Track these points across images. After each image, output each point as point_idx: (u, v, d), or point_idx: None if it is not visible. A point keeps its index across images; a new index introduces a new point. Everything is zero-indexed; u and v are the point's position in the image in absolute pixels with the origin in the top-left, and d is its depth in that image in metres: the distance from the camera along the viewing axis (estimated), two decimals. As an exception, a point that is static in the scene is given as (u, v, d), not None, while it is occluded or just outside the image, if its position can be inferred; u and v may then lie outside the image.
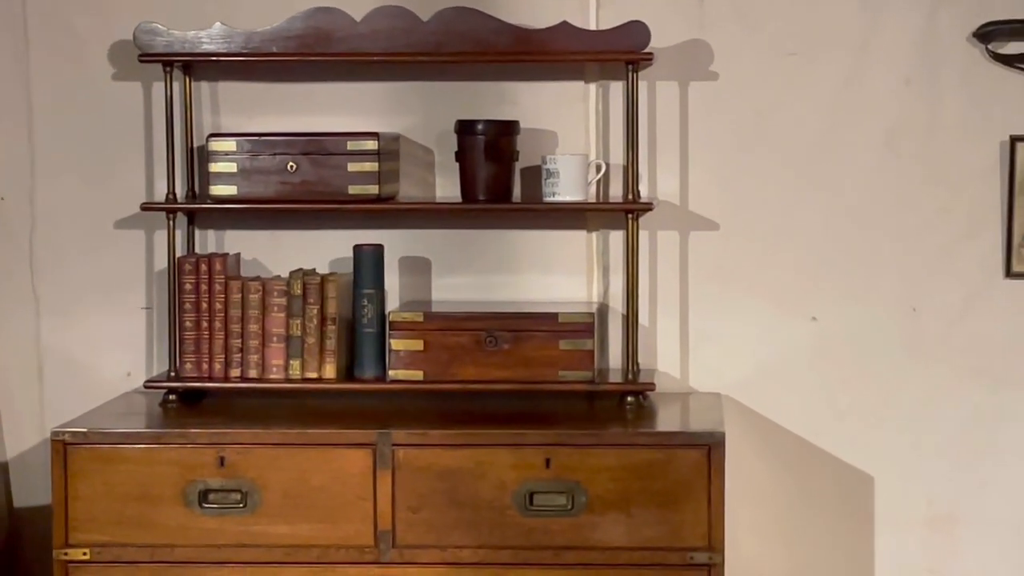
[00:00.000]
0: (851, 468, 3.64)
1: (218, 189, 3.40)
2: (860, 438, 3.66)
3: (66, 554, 3.08)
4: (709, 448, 3.06)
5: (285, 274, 3.46)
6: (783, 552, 3.70)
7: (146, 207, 3.47)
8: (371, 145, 3.36)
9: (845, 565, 3.71)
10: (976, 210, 3.60)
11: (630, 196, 3.42)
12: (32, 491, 3.64)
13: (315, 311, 3.36)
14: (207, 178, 3.44)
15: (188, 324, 3.38)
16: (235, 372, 3.41)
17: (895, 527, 3.66)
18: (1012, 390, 3.63)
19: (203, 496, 3.08)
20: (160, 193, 3.51)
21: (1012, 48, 3.52)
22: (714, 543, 3.03)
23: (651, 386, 3.41)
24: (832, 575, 3.72)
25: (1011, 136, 3.51)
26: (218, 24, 3.37)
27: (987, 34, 3.48)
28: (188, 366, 3.40)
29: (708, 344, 3.67)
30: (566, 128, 3.63)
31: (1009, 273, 3.54)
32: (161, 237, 3.51)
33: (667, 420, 3.42)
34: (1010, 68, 3.52)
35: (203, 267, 3.38)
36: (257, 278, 3.45)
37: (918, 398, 3.65)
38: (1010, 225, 3.54)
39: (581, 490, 3.06)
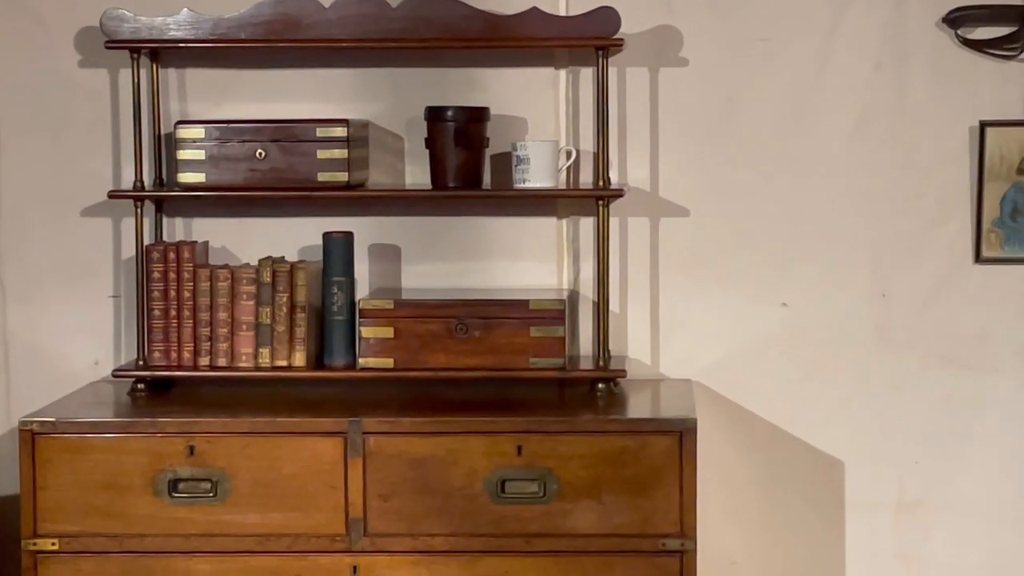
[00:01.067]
0: (821, 453, 3.65)
1: (186, 176, 3.37)
2: (830, 424, 3.66)
3: (35, 544, 3.06)
4: (680, 435, 3.04)
5: (254, 262, 3.43)
6: (755, 538, 3.69)
7: (113, 195, 3.44)
8: (340, 132, 3.35)
9: (816, 550, 3.71)
10: (945, 195, 3.61)
11: (600, 183, 3.41)
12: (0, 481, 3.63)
13: (284, 299, 3.34)
14: (175, 165, 3.42)
15: (156, 312, 3.36)
16: (204, 361, 3.39)
17: (865, 512, 3.66)
18: (981, 375, 3.64)
19: (172, 485, 3.06)
20: (128, 180, 3.48)
21: (981, 33, 3.53)
22: (686, 529, 3.02)
23: (622, 373, 3.40)
24: (803, 560, 3.72)
25: (980, 121, 3.51)
26: (185, 10, 3.35)
27: (956, 19, 3.48)
28: (156, 355, 3.38)
29: (679, 331, 3.66)
30: (536, 114, 3.63)
31: (979, 258, 3.54)
32: (129, 224, 3.49)
33: (638, 407, 3.41)
34: (979, 53, 3.52)
35: (171, 255, 3.36)
36: (226, 266, 3.43)
37: (888, 384, 3.64)
38: (979, 210, 3.54)
39: (553, 477, 3.04)
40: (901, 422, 3.66)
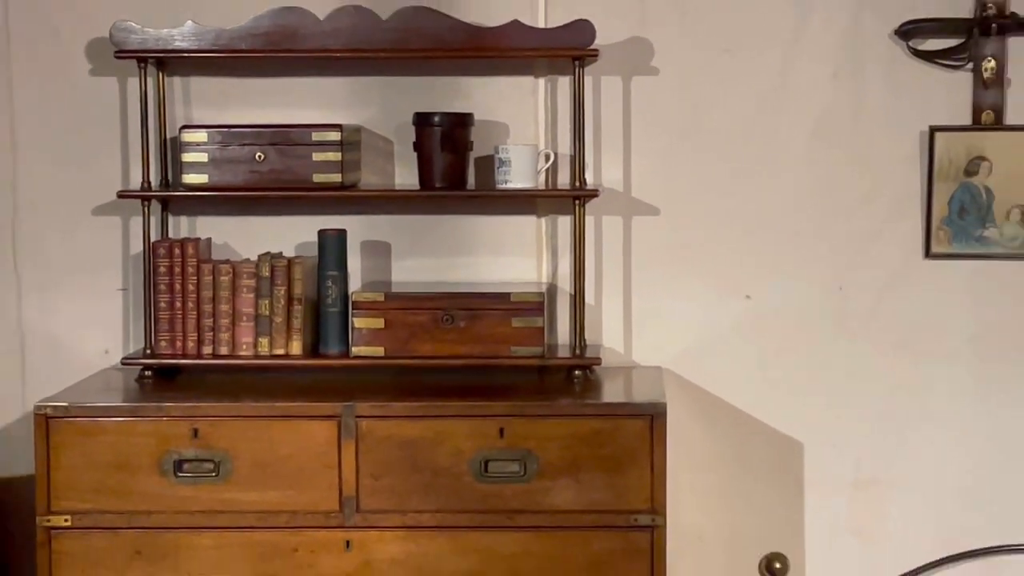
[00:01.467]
0: (782, 435, 3.71)
1: (190, 178, 3.43)
2: (790, 407, 3.71)
3: (49, 520, 3.11)
4: (652, 418, 3.10)
5: (254, 257, 3.49)
6: (720, 514, 3.74)
7: (122, 194, 3.50)
8: (334, 136, 3.41)
9: (777, 525, 3.74)
10: (898, 195, 3.67)
11: (577, 183, 3.47)
12: (14, 462, 3.59)
13: (282, 292, 3.40)
14: (180, 167, 3.46)
15: (162, 304, 3.40)
16: (207, 349, 3.44)
17: (823, 490, 3.73)
18: (931, 362, 3.70)
19: (178, 466, 3.11)
20: (135, 181, 3.54)
21: (931, 45, 3.59)
22: (657, 506, 3.09)
23: (597, 361, 3.46)
24: (765, 535, 3.73)
25: (930, 126, 3.57)
26: (189, 22, 3.40)
27: (908, 32, 3.55)
28: (163, 344, 3.43)
29: (650, 321, 3.71)
30: (517, 120, 3.67)
31: (928, 254, 3.61)
32: (136, 223, 3.54)
33: (612, 392, 3.47)
34: (929, 63, 3.59)
35: (176, 251, 3.41)
36: (227, 261, 3.48)
37: (844, 370, 3.71)
38: (929, 209, 3.60)
39: (533, 457, 3.10)
40: (856, 406, 3.72)
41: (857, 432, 3.74)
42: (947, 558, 3.72)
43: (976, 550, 3.70)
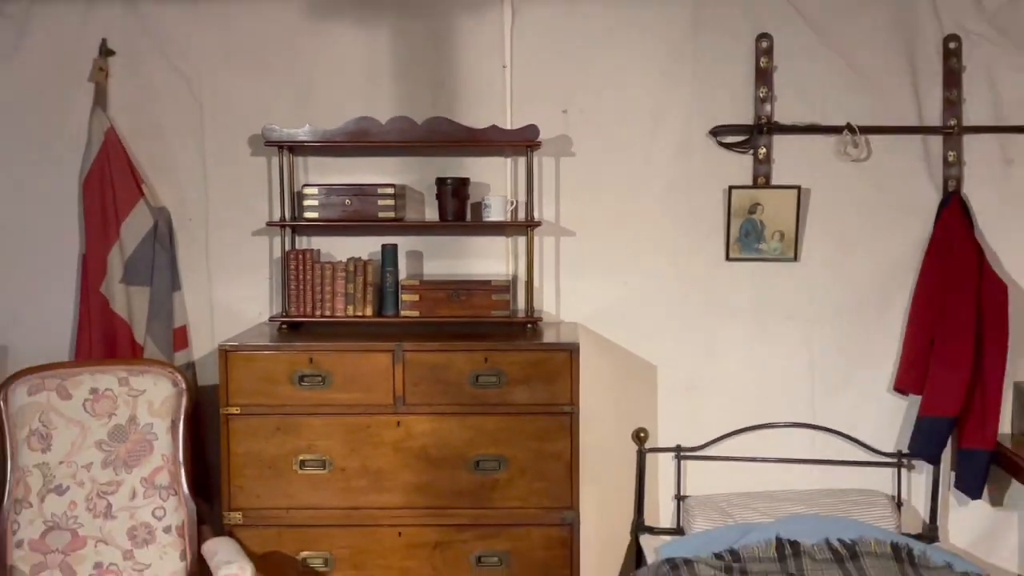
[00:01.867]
0: (645, 361, 3.97)
1: (307, 214, 3.69)
2: (649, 345, 3.97)
3: (227, 410, 3.42)
4: (571, 351, 3.44)
5: (344, 259, 3.72)
6: (609, 404, 3.94)
7: (270, 224, 3.77)
8: (390, 191, 3.68)
9: (642, 412, 3.96)
10: (711, 225, 3.91)
11: (528, 218, 3.76)
12: (208, 377, 3.80)
13: (361, 279, 3.66)
14: (301, 208, 3.71)
15: (292, 287, 3.65)
16: (318, 312, 3.67)
17: (667, 393, 3.99)
18: (730, 319, 3.95)
19: (300, 379, 3.41)
20: (276, 215, 3.78)
21: (730, 139, 3.87)
22: (574, 401, 3.45)
23: (539, 319, 3.78)
24: (635, 417, 3.94)
25: (729, 186, 3.85)
26: (307, 125, 3.65)
27: (717, 131, 3.85)
28: (292, 309, 3.66)
29: (569, 296, 3.96)
30: (494, 182, 3.89)
31: (728, 258, 3.91)
32: (277, 240, 3.81)
33: (549, 336, 3.68)
34: (728, 150, 3.87)
35: (300, 256, 3.65)
36: (329, 262, 3.71)
37: (681, 323, 3.95)
38: (728, 232, 3.88)
39: (504, 374, 3.44)
40: (687, 343, 3.96)
41: (688, 359, 3.96)
42: (736, 431, 3.95)
43: (753, 425, 3.94)
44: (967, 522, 3.99)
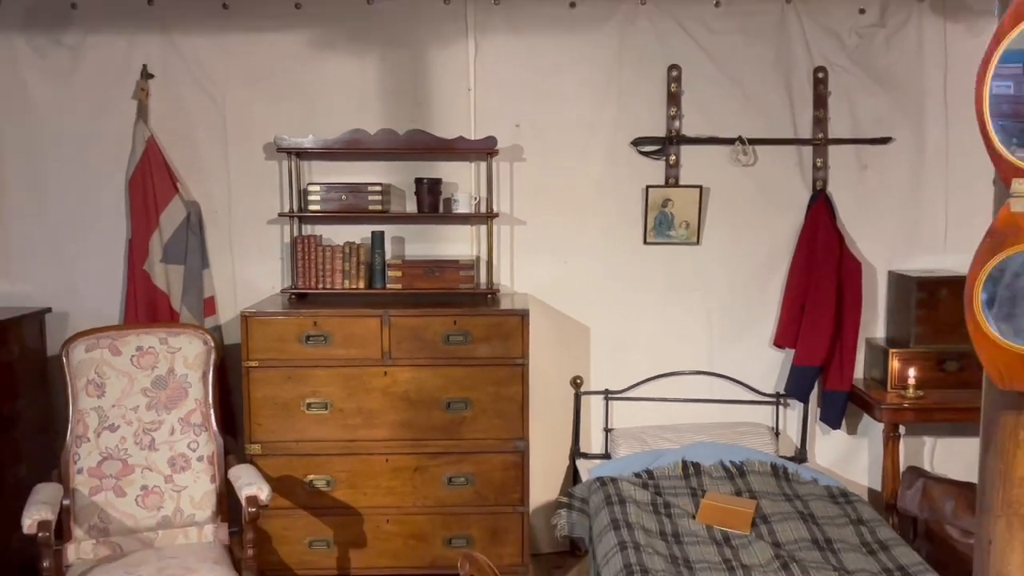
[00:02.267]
0: (580, 323, 3.96)
1: (312, 207, 3.68)
2: (584, 310, 3.95)
3: (248, 363, 3.41)
4: (522, 316, 3.44)
5: (342, 243, 3.71)
6: (553, 362, 3.91)
7: (281, 214, 3.79)
8: (378, 188, 3.68)
9: (577, 364, 3.97)
10: (633, 217, 3.91)
11: (488, 211, 3.75)
12: (232, 337, 3.76)
13: (355, 259, 3.67)
14: (307, 202, 3.70)
15: (299, 265, 3.66)
16: (321, 285, 3.67)
17: (598, 348, 3.98)
18: (646, 292, 3.94)
19: (306, 338, 3.40)
20: (286, 208, 3.80)
21: (646, 148, 3.85)
22: (525, 355, 3.45)
23: (498, 290, 3.76)
24: (572, 367, 3.96)
25: (647, 186, 3.85)
26: (311, 135, 3.64)
27: (637, 142, 3.85)
28: (300, 282, 3.66)
29: (521, 271, 3.93)
30: (462, 181, 3.86)
31: (645, 242, 3.91)
32: (287, 227, 3.82)
33: (505, 304, 3.64)
34: (647, 157, 3.87)
35: (306, 241, 3.66)
36: (330, 245, 3.70)
37: (609, 294, 3.94)
38: (646, 222, 3.87)
39: (470, 334, 3.43)
40: (613, 306, 3.92)
41: (614, 321, 3.96)
42: (652, 377, 3.95)
43: (665, 373, 3.95)
44: (829, 447, 4.08)
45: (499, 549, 3.51)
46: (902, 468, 3.85)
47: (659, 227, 3.93)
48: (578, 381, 3.98)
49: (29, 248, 3.84)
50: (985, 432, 1.33)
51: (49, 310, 3.77)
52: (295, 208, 3.77)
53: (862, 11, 3.81)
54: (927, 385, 3.70)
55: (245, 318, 3.44)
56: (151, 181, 3.72)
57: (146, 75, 3.76)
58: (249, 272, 3.92)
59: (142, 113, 3.74)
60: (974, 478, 3.07)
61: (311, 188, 3.72)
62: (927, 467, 4.00)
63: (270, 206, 3.88)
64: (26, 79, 3.74)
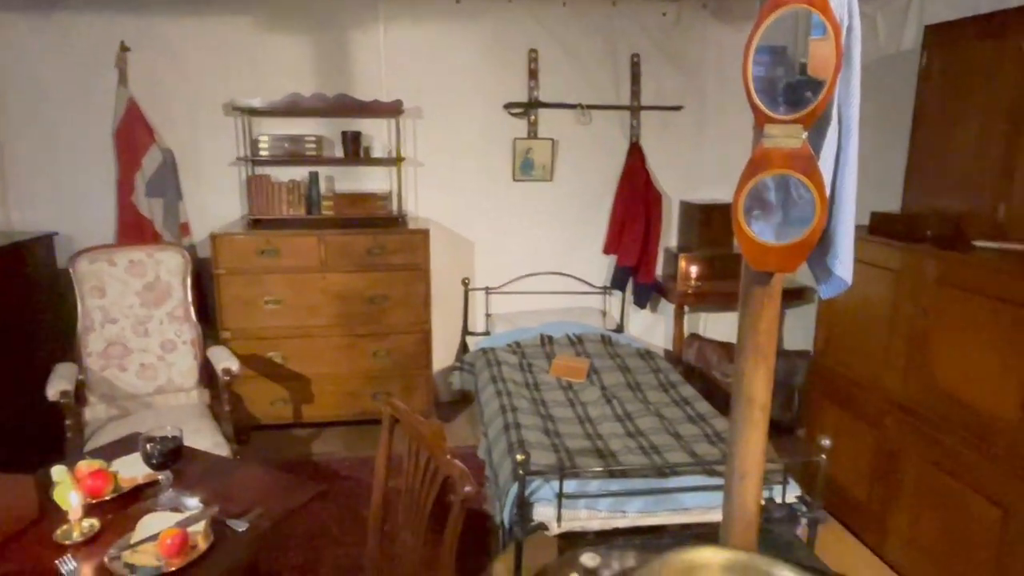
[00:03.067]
0: (467, 239, 3.91)
1: (262, 153, 3.54)
2: (470, 229, 3.89)
3: (217, 271, 3.31)
4: (424, 234, 3.38)
5: (287, 180, 3.57)
6: (449, 265, 3.87)
7: (238, 159, 3.62)
8: (313, 139, 3.56)
9: (465, 269, 3.91)
10: (504, 160, 3.85)
11: (397, 155, 3.65)
12: (204, 252, 3.60)
13: (297, 193, 3.56)
14: (257, 150, 3.56)
15: (254, 198, 3.53)
16: (271, 212, 3.53)
17: (480, 257, 3.91)
18: (515, 216, 3.89)
19: (262, 252, 3.30)
20: (241, 155, 3.62)
21: (514, 111, 3.75)
22: (426, 263, 3.38)
23: (406, 215, 3.66)
24: (461, 272, 3.90)
25: (514, 138, 3.81)
26: (259, 97, 3.47)
27: (507, 106, 3.75)
28: (255, 211, 3.53)
29: (424, 200, 3.81)
30: (377, 134, 3.73)
31: (514, 180, 3.87)
32: (243, 169, 3.65)
33: (412, 225, 3.52)
34: (515, 117, 3.79)
35: (259, 180, 3.54)
36: (278, 183, 3.54)
37: (488, 218, 3.88)
38: (513, 165, 3.83)
39: (386, 248, 3.35)
40: (491, 229, 3.88)
41: (492, 237, 3.90)
42: (519, 277, 3.93)
43: (529, 273, 3.94)
44: (639, 322, 4.19)
45: (411, 400, 3.51)
46: (686, 334, 4.05)
47: (524, 169, 3.89)
48: (466, 281, 3.93)
49: (39, 186, 3.62)
50: (743, 299, 1.36)
51: (56, 234, 3.60)
52: (249, 154, 3.62)
53: (664, 14, 3.82)
54: (703, 279, 3.84)
55: (214, 237, 3.32)
56: (133, 133, 3.53)
57: (124, 48, 3.54)
58: (215, 203, 3.74)
59: (123, 79, 3.52)
60: (732, 339, 3.20)
61: (261, 139, 3.59)
62: (702, 333, 4.16)
63: (229, 152, 3.70)
64: (28, 50, 3.49)
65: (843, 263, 1.30)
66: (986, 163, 2.39)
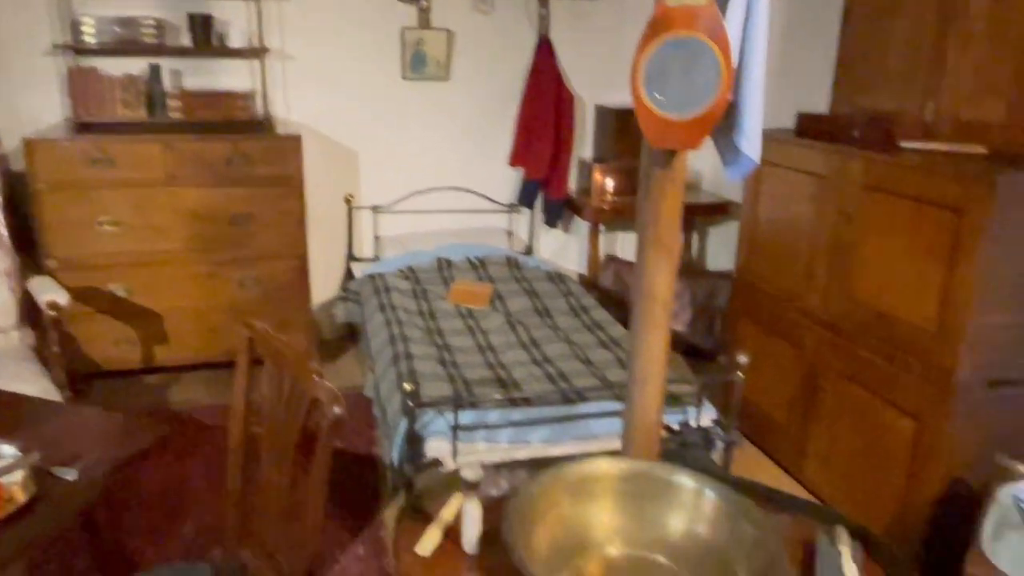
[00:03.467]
0: (350, 148, 3.62)
1: (87, 39, 3.09)
2: (352, 136, 3.59)
3: (36, 186, 2.91)
4: (296, 140, 3.10)
5: (121, 75, 3.13)
6: (329, 178, 3.59)
7: (56, 46, 3.14)
8: (152, 22, 3.14)
9: (349, 184, 3.63)
10: (392, 53, 3.50)
11: (259, 45, 3.30)
12: (19, 164, 3.02)
13: (134, 90, 3.14)
14: (80, 33, 3.08)
15: (79, 96, 3.08)
16: (103, 115, 3.13)
17: (366, 169, 3.65)
18: (406, 120, 3.63)
19: (93, 162, 2.94)
20: (60, 40, 3.13)
21: None
22: (300, 175, 3.11)
23: (274, 120, 3.38)
24: (344, 187, 3.63)
25: (402, 27, 3.45)
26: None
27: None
28: (81, 112, 3.12)
29: (295, 102, 3.46)
30: (235, 19, 3.28)
31: (403, 78, 3.56)
32: (62, 60, 3.17)
33: (282, 129, 3.25)
34: (401, 2, 3.43)
35: (85, 74, 3.12)
36: (109, 77, 3.11)
37: (373, 122, 3.59)
38: (403, 58, 3.49)
39: (250, 157, 3.06)
40: (377, 136, 3.62)
41: (378, 146, 3.64)
42: (412, 193, 3.69)
43: (423, 189, 3.70)
44: (549, 243, 4.10)
45: (288, 339, 3.24)
46: (602, 256, 4.00)
47: (415, 65, 3.65)
48: (350, 198, 3.72)
49: None
50: (643, 184, 1.32)
51: None
52: (70, 40, 3.19)
53: None
54: (621, 193, 3.78)
55: (28, 143, 2.93)
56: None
57: None
58: (28, 103, 3.28)
59: None
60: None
61: (83, 20, 3.15)
62: (620, 254, 4.12)
63: (43, 38, 3.23)
64: None
65: (750, 140, 1.29)
66: (917, 59, 2.42)
